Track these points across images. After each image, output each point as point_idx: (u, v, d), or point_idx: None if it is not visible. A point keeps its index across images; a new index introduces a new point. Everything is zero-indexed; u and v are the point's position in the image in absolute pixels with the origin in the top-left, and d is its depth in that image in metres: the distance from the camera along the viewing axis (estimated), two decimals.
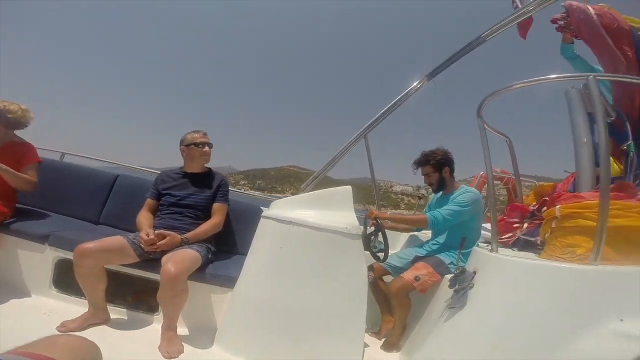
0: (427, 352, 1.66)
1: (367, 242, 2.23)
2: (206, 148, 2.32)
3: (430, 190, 2.60)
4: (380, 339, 2.23)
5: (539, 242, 1.78)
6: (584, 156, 1.64)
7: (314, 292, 1.75)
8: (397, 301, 2.14)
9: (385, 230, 2.24)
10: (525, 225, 1.80)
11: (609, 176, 1.25)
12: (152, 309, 2.01)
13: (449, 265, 2.11)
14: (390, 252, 2.52)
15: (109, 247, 1.84)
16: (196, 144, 2.28)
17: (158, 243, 1.93)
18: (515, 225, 1.88)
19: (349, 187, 1.98)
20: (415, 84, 2.73)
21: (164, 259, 1.81)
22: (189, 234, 2.07)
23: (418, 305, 2.15)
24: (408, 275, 2.12)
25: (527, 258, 1.54)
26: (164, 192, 2.29)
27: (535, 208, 1.87)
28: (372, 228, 2.27)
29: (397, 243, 2.85)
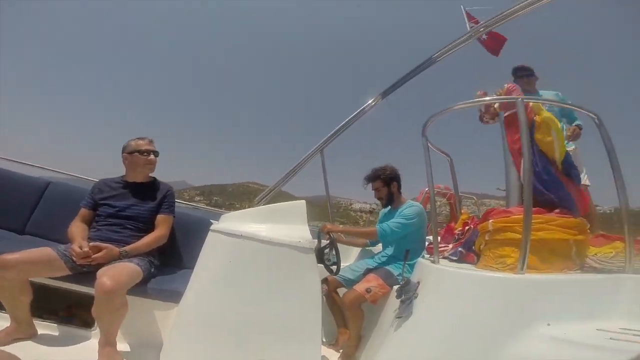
0: None
1: (321, 255, 2.24)
2: (151, 156, 2.19)
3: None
4: (337, 351, 2.25)
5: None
6: (512, 174, 1.80)
7: (267, 306, 1.73)
8: (351, 313, 2.18)
9: (339, 243, 2.27)
10: (451, 246, 1.95)
11: (531, 193, 1.38)
12: (87, 324, 1.90)
13: (397, 277, 2.18)
14: (344, 264, 2.54)
15: (34, 258, 1.70)
16: (140, 152, 2.15)
17: (93, 256, 1.79)
18: (441, 248, 2.04)
19: (302, 202, 1.99)
20: (370, 101, 2.87)
21: (100, 272, 1.69)
22: (128, 247, 1.94)
23: (372, 315, 2.18)
24: (359, 287, 2.17)
25: (463, 269, 1.63)
26: (102, 202, 2.12)
27: (459, 232, 2.04)
28: (326, 242, 2.28)
29: (351, 256, 2.89)
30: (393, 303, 1.91)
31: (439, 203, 3.88)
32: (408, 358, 1.48)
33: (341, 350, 2.22)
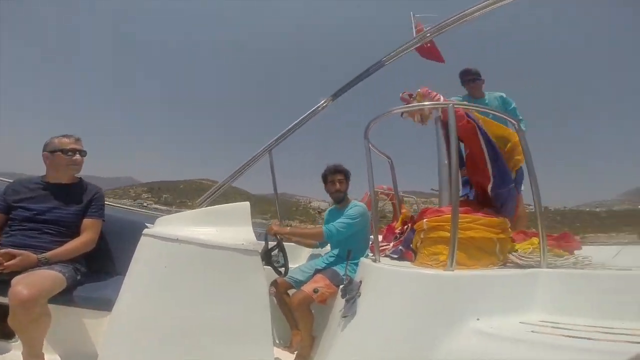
0: None
1: (268, 257, 2.21)
2: (77, 156, 2.00)
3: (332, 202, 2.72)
4: (292, 353, 2.25)
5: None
6: (444, 176, 1.91)
7: (209, 310, 1.68)
8: (300, 313, 2.19)
9: (287, 244, 2.25)
10: (391, 244, 2.04)
11: (458, 194, 1.47)
12: (7, 335, 1.79)
13: (344, 277, 2.21)
14: (294, 265, 2.53)
15: None
16: (64, 151, 1.95)
17: (6, 264, 1.63)
18: (383, 247, 2.15)
19: (246, 203, 1.96)
20: (321, 102, 2.90)
21: (14, 280, 1.56)
22: (48, 254, 1.79)
23: (323, 316, 2.20)
24: (307, 288, 2.18)
25: (400, 266, 1.68)
26: (16, 204, 1.90)
27: (399, 231, 2.14)
28: (274, 243, 2.26)
29: (300, 257, 2.89)
30: (340, 303, 1.94)
31: (382, 204, 4.03)
32: (354, 357, 1.50)
33: (296, 352, 2.22)
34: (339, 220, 2.36)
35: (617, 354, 0.94)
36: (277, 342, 2.38)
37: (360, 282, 1.70)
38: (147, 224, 2.24)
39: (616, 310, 1.27)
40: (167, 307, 1.69)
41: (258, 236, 2.07)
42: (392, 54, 2.78)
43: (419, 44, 2.78)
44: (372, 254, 1.95)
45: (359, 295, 1.63)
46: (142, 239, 1.83)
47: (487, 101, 3.22)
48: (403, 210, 2.62)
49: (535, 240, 1.71)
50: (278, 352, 2.01)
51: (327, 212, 2.76)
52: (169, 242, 1.72)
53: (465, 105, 1.62)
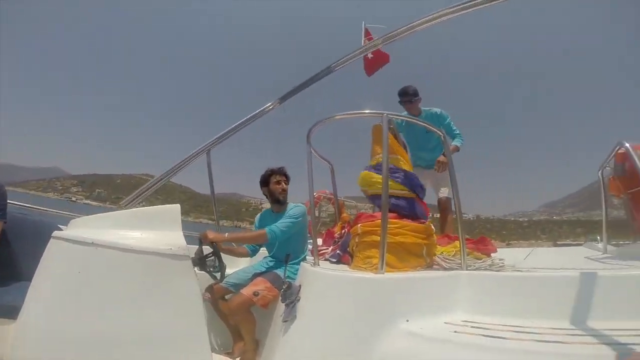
0: None
1: (203, 262, 2.10)
2: None
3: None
4: (234, 358, 2.16)
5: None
6: (385, 179, 1.95)
7: (134, 319, 1.60)
8: (240, 317, 2.11)
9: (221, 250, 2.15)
10: (330, 248, 2.08)
11: (387, 200, 1.55)
12: None
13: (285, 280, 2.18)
14: (232, 270, 2.43)
15: None
16: None
17: None
18: (322, 251, 2.23)
19: (177, 206, 1.87)
20: (267, 104, 2.85)
21: None
22: None
23: (265, 321, 2.14)
24: (247, 291, 2.10)
25: (336, 270, 1.72)
26: None
27: (338, 235, 2.20)
28: (209, 248, 2.14)
29: (239, 261, 2.80)
30: (282, 307, 1.92)
31: (325, 207, 4.11)
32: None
33: (238, 358, 2.14)
34: (281, 221, 2.32)
35: (527, 353, 1.07)
36: (218, 348, 2.28)
37: (300, 286, 1.69)
38: (60, 226, 2.04)
39: (524, 309, 1.42)
40: (82, 316, 1.57)
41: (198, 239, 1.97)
42: (340, 61, 2.83)
43: (366, 52, 2.87)
44: (311, 258, 1.96)
45: (299, 300, 1.62)
46: (52, 242, 1.67)
47: (423, 117, 3.38)
48: (343, 215, 2.67)
49: (457, 243, 1.86)
50: (220, 358, 1.96)
51: (259, 216, 2.68)
52: (84, 246, 1.59)
53: (398, 115, 1.71)
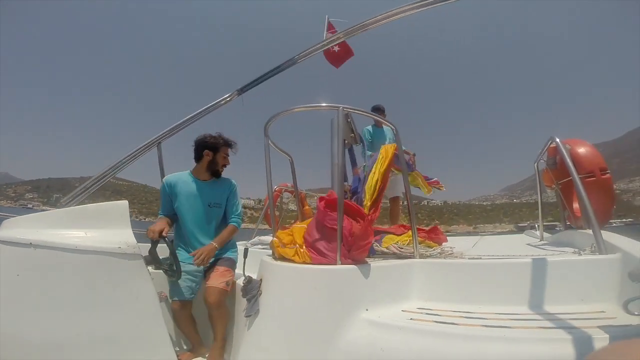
0: None
1: (157, 260, 2.00)
2: None
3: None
4: (203, 355, 2.06)
5: None
6: (335, 174, 2.01)
7: (87, 323, 1.54)
8: (218, 312, 2.01)
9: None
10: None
11: (342, 190, 1.58)
12: None
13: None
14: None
15: None
16: None
17: None
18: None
19: (125, 202, 1.79)
20: (225, 96, 2.76)
21: None
22: None
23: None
24: (217, 283, 2.01)
25: (295, 262, 1.68)
26: None
27: None
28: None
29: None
30: (244, 303, 1.89)
31: (286, 200, 4.13)
32: (261, 355, 1.49)
33: (207, 355, 2.02)
34: (237, 211, 2.31)
35: (476, 338, 1.15)
36: (185, 347, 2.19)
37: (261, 280, 1.68)
38: None
39: (472, 295, 1.53)
40: (25, 321, 1.48)
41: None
42: (303, 53, 2.82)
43: (329, 45, 2.89)
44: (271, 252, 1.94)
45: (260, 294, 1.62)
46: None
47: (385, 129, 4.17)
48: (305, 207, 2.68)
49: (410, 233, 1.95)
50: (188, 355, 1.94)
51: (172, 180, 2.22)
52: (20, 247, 1.48)
53: (354, 109, 1.75)
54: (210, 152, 2.20)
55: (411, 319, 1.34)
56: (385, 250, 1.92)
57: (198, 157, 2.22)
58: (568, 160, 2.00)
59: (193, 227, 2.15)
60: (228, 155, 2.30)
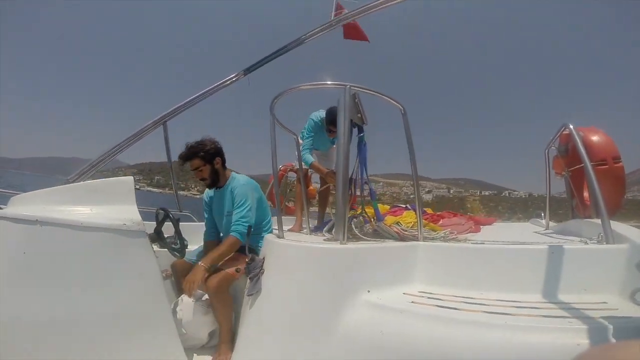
0: (239, 346, 1.64)
1: (162, 238, 2.02)
2: None
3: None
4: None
5: None
6: (341, 153, 1.96)
7: (91, 301, 1.54)
8: (217, 298, 1.96)
9: (182, 223, 2.08)
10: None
11: (348, 169, 1.57)
12: None
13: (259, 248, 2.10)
14: (194, 247, 2.36)
15: None
16: None
17: None
18: None
19: (130, 178, 1.78)
20: (231, 76, 2.73)
21: None
22: None
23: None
24: (226, 267, 2.00)
25: (300, 241, 1.69)
26: None
27: None
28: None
29: (199, 236, 2.72)
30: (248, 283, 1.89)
31: (291, 180, 4.11)
32: (264, 333, 1.50)
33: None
34: (236, 216, 2.12)
35: (477, 324, 1.14)
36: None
37: (263, 258, 1.68)
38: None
39: (475, 280, 1.51)
40: (33, 299, 1.48)
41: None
42: (311, 33, 2.76)
43: (337, 25, 2.83)
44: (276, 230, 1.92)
45: (263, 272, 1.63)
46: None
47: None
48: (310, 188, 2.66)
49: (412, 213, 1.93)
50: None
51: (205, 195, 2.40)
52: (26, 225, 1.48)
53: (362, 88, 1.72)
54: (208, 165, 2.24)
55: (412, 302, 1.33)
56: (390, 230, 1.89)
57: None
58: (580, 146, 1.94)
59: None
60: (196, 170, 2.24)
